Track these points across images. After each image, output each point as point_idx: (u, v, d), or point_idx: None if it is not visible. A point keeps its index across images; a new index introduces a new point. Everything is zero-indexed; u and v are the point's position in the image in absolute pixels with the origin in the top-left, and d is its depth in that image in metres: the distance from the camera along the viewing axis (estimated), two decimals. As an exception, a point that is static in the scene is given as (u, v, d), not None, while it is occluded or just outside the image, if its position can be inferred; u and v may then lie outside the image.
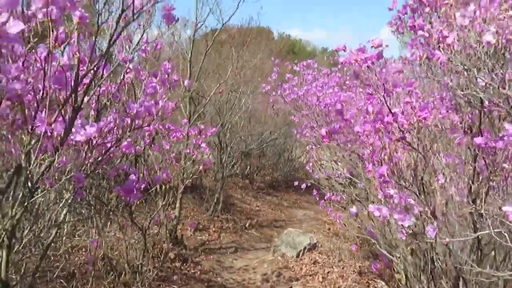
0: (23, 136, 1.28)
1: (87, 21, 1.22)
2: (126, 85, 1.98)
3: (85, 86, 1.42)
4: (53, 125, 1.25)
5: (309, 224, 9.48)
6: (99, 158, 1.61)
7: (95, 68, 1.40)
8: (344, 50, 2.00)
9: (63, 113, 1.28)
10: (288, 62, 4.93)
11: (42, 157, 1.38)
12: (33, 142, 1.27)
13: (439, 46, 1.60)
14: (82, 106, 1.42)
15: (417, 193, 2.18)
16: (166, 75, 2.07)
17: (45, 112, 1.23)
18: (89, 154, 1.49)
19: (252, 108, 10.48)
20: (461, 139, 1.90)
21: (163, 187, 4.13)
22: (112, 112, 1.87)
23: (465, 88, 1.69)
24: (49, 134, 1.29)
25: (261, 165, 12.99)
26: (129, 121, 1.84)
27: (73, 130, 1.32)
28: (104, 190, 3.52)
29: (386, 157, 1.82)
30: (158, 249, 4.80)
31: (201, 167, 3.70)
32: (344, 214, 5.12)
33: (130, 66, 1.97)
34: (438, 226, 1.99)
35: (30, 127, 1.25)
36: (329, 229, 8.90)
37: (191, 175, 3.93)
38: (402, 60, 4.37)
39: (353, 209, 1.88)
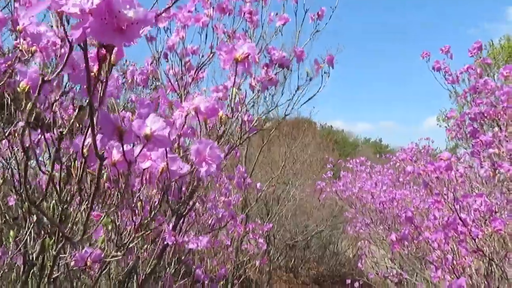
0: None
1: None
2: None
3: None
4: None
5: (359, 326, 8.87)
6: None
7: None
8: (411, 160, 2.12)
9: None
10: (340, 159, 5.09)
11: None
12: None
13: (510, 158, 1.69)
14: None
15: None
16: (243, 179, 2.26)
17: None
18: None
19: (300, 199, 10.52)
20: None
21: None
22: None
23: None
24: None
25: (305, 258, 12.59)
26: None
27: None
28: None
29: (460, 267, 1.83)
30: None
31: (257, 262, 3.73)
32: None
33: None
34: None
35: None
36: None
37: (245, 270, 3.95)
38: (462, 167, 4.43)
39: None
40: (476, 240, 1.70)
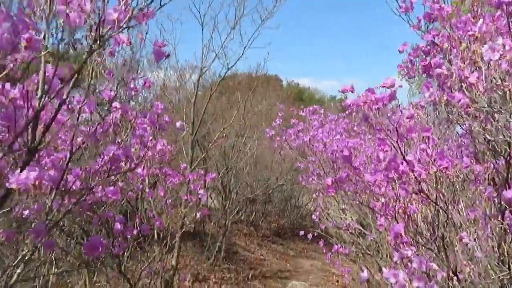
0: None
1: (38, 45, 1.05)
2: (111, 126, 1.80)
3: (46, 123, 1.24)
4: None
5: (317, 276, 8.98)
6: (69, 207, 1.40)
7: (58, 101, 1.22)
8: (352, 92, 1.81)
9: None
10: (294, 108, 4.79)
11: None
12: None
13: (461, 86, 1.41)
14: (39, 147, 1.23)
15: (436, 252, 1.92)
16: (157, 116, 1.89)
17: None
18: (55, 202, 1.29)
19: (258, 154, 10.32)
20: (489, 192, 1.66)
21: (160, 235, 3.88)
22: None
23: (490, 134, 1.48)
24: None
25: (267, 212, 12.62)
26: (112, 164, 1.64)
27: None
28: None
29: (401, 211, 1.59)
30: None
31: (198, 215, 3.46)
32: (353, 267, 4.76)
33: (117, 104, 1.80)
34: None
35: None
36: (337, 281, 8.41)
37: (188, 222, 3.68)
38: (413, 106, 4.22)
39: (364, 274, 1.61)
40: (419, 180, 1.46)
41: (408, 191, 1.39)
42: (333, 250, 4.59)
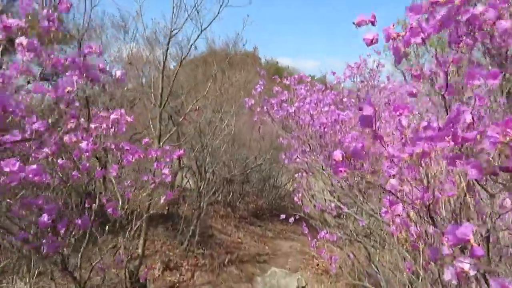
0: None
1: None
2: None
3: None
4: None
5: (296, 259, 8.60)
6: None
7: None
8: (373, 24, 1.25)
9: None
10: (277, 76, 4.20)
11: None
12: None
13: None
14: None
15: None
16: (82, 57, 1.29)
17: None
18: None
19: (236, 131, 9.74)
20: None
21: (122, 221, 3.31)
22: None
23: None
24: None
25: (244, 192, 12.13)
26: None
27: None
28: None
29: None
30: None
31: (162, 199, 2.89)
32: (340, 255, 4.31)
33: (23, 40, 1.19)
34: None
35: None
36: (317, 264, 8.04)
37: (153, 207, 3.11)
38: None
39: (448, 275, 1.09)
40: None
41: (482, 170, 0.86)
42: (318, 237, 4.11)
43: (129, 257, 4.14)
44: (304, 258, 8.62)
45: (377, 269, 4.09)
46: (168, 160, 2.88)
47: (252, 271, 6.84)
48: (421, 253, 1.62)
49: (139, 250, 4.44)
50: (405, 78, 1.37)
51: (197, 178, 7.56)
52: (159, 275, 5.35)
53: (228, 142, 8.81)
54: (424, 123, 1.12)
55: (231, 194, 11.47)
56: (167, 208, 8.88)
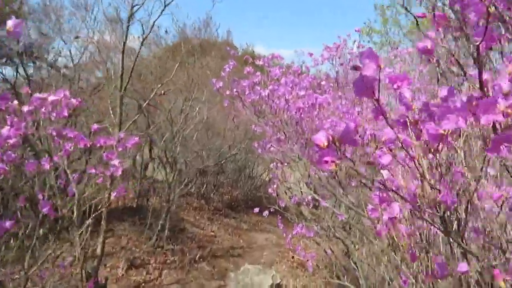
0: None
1: None
2: None
3: None
4: None
5: (271, 252, 8.31)
6: None
7: None
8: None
9: None
10: (248, 56, 3.81)
11: None
12: None
13: None
14: None
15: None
16: None
17: None
18: None
19: (210, 120, 9.32)
20: None
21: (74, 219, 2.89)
22: None
23: None
24: None
25: (219, 183, 11.74)
26: None
27: None
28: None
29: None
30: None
31: (113, 196, 2.49)
32: (317, 251, 4.00)
33: None
34: None
35: None
36: (293, 257, 7.78)
37: (90, 206, 2.71)
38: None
39: None
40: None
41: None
42: (294, 232, 3.79)
43: (85, 257, 3.72)
44: (280, 251, 8.36)
45: (356, 265, 3.82)
46: (120, 149, 2.47)
47: (225, 266, 6.50)
48: (420, 264, 1.29)
49: (98, 249, 4.02)
50: (417, 23, 1.02)
51: (165, 170, 7.13)
52: (122, 275, 4.94)
53: (200, 131, 8.39)
54: (444, 91, 0.77)
55: (205, 185, 11.07)
56: (136, 201, 8.42)
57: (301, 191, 4.48)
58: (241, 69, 3.61)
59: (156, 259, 5.68)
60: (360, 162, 0.99)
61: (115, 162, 2.30)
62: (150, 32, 4.14)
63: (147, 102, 4.27)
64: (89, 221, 2.74)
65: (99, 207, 3.31)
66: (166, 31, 13.13)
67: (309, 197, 4.43)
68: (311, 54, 4.21)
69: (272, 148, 3.72)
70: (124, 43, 4.04)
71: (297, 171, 3.95)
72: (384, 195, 1.50)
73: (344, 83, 4.21)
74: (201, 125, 7.70)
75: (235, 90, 3.21)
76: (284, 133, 3.37)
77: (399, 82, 1.18)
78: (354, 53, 4.46)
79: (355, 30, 4.38)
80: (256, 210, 5.01)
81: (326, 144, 0.79)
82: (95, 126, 2.61)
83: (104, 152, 2.46)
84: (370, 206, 1.87)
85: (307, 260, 3.84)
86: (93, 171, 2.39)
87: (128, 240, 6.02)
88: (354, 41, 4.35)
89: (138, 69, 8.47)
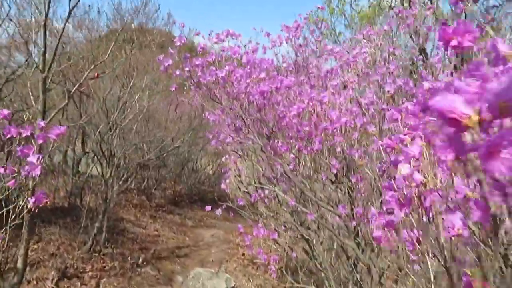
0: None
1: None
2: None
3: None
4: None
5: (219, 249, 7.86)
6: None
7: None
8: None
9: None
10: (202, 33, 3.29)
11: None
12: None
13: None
14: None
15: None
16: None
17: None
18: None
19: (151, 109, 8.62)
20: None
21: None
22: None
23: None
24: None
25: (161, 178, 11.04)
26: None
27: None
28: None
29: None
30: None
31: (30, 203, 1.90)
32: (280, 253, 3.62)
33: None
34: None
35: None
36: (243, 254, 7.39)
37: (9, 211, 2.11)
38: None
39: None
40: None
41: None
42: (254, 233, 3.37)
43: (1, 273, 3.06)
44: (229, 247, 7.95)
45: (320, 266, 3.50)
46: (41, 141, 1.89)
47: (172, 269, 5.95)
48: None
49: (19, 263, 3.33)
50: None
51: (101, 164, 6.40)
52: (52, 287, 4.24)
53: (140, 121, 7.69)
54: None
55: (146, 180, 10.35)
56: (67, 200, 7.57)
57: (260, 186, 4.06)
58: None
59: (92, 266, 5.00)
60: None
61: (32, 158, 1.72)
62: (77, 3, 3.46)
63: (76, 86, 3.60)
64: (3, 230, 2.13)
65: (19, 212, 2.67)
66: (98, 11, 12.06)
67: (266, 192, 4.04)
68: (268, 35, 3.78)
69: (228, 139, 3.26)
70: (46, 16, 3.34)
71: (256, 164, 3.53)
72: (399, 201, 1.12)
73: (303, 66, 3.84)
74: (141, 115, 7.02)
75: (187, 69, 2.69)
76: (244, 120, 2.92)
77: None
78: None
79: (318, 8, 3.99)
80: (208, 208, 4.53)
81: (476, 118, 0.36)
82: (5, 111, 1.99)
83: (18, 146, 1.87)
84: (372, 210, 1.51)
85: (268, 264, 3.45)
86: (2, 171, 1.79)
87: (59, 245, 5.25)
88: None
89: (70, 54, 7.59)
